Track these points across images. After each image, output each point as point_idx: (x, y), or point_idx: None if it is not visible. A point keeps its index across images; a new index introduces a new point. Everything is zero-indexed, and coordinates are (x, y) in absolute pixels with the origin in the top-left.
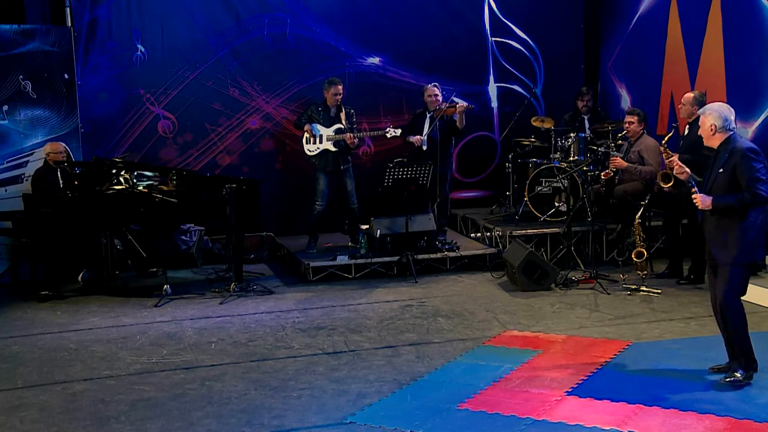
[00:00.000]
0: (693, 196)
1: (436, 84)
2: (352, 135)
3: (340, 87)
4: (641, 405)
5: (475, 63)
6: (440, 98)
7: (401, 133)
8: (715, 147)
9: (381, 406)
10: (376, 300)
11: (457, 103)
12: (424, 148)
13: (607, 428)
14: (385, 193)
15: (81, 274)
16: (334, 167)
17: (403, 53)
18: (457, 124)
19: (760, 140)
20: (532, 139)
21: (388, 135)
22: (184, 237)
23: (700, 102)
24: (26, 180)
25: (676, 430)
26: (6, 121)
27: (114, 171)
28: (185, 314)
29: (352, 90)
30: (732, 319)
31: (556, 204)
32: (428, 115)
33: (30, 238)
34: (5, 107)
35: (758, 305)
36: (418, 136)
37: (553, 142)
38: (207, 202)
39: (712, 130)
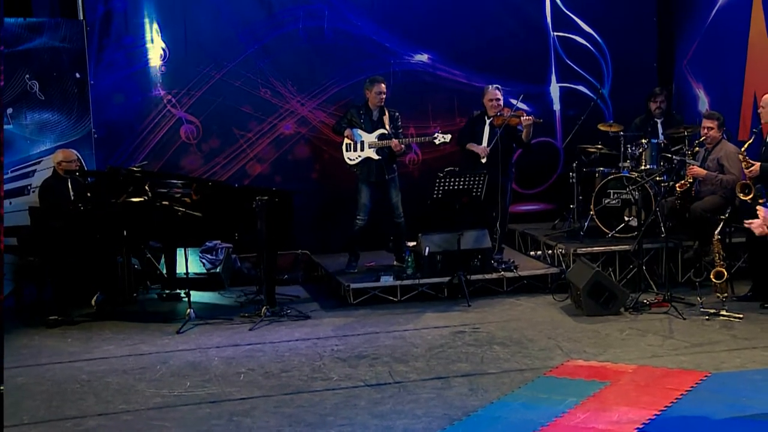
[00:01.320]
0: (757, 208)
1: (498, 86)
2: (398, 141)
3: (384, 86)
4: None
5: (534, 61)
6: (502, 103)
7: (457, 139)
8: None
9: None
10: (425, 326)
11: (523, 114)
12: (484, 160)
13: None
14: (435, 206)
15: (94, 297)
16: (377, 177)
17: (454, 50)
18: (523, 137)
19: None
20: (599, 146)
21: (437, 141)
22: (209, 255)
23: None
24: (33, 191)
25: None
26: (11, 126)
27: (131, 181)
28: (211, 342)
29: (398, 91)
30: None
31: (626, 218)
32: (487, 121)
33: (37, 256)
34: (9, 110)
35: None
36: (484, 146)
37: (623, 149)
38: (235, 216)
39: None
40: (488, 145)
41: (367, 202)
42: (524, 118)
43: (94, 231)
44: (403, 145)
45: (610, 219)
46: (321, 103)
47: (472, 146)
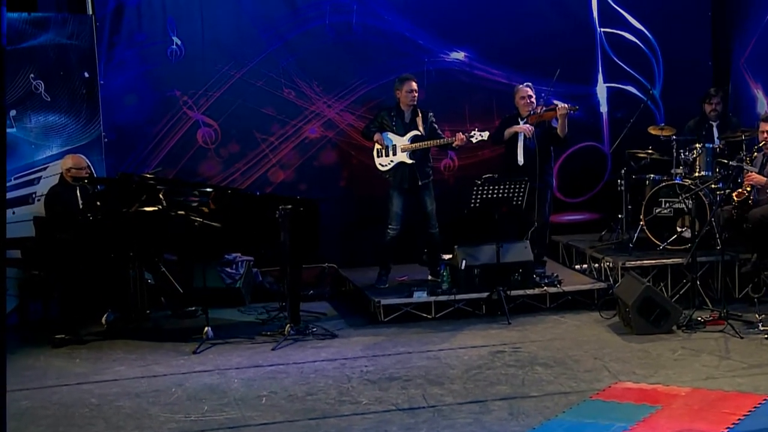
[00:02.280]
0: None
1: (530, 84)
2: (462, 135)
3: (414, 84)
4: None
5: (580, 59)
6: (535, 101)
7: (492, 139)
8: None
9: None
10: (461, 345)
11: (557, 105)
12: (521, 163)
13: None
14: (472, 216)
15: (105, 315)
16: (410, 183)
17: (493, 47)
18: (558, 131)
19: None
20: (650, 151)
21: (474, 140)
22: (228, 269)
23: None
24: (38, 200)
25: None
26: (14, 129)
27: (144, 189)
28: (230, 362)
29: (432, 91)
30: None
31: (679, 229)
32: (521, 122)
33: (43, 270)
34: (13, 112)
35: None
36: (526, 126)
37: (675, 154)
38: (256, 226)
39: None
40: (524, 149)
41: (400, 210)
42: (559, 107)
43: (104, 243)
44: (464, 136)
45: (662, 230)
46: (349, 104)
47: (513, 128)
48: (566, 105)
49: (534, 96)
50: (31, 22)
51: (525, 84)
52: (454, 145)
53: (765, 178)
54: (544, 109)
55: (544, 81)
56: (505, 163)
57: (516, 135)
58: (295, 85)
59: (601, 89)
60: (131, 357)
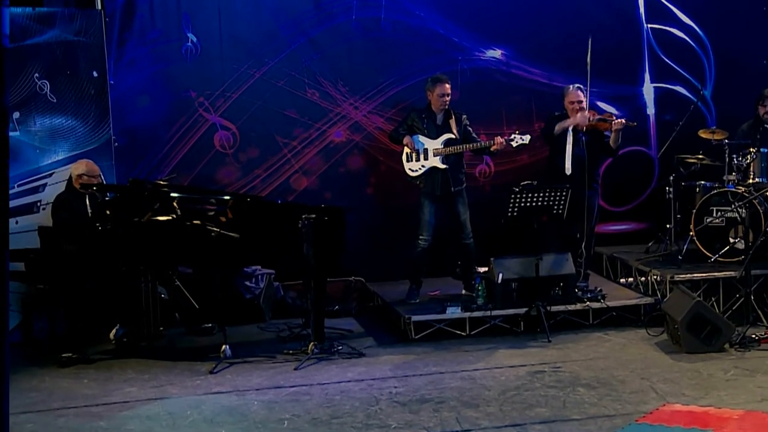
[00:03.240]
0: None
1: (581, 87)
2: (501, 138)
3: (448, 86)
4: None
5: (625, 57)
6: (586, 105)
7: (543, 135)
8: None
9: None
10: (498, 364)
11: (612, 117)
12: (568, 172)
13: None
14: (510, 226)
15: (114, 331)
16: (443, 190)
17: (531, 45)
18: (611, 143)
19: None
20: (700, 156)
21: (514, 144)
22: (248, 283)
23: None
24: (43, 209)
25: None
26: (17, 133)
27: (157, 197)
28: (249, 383)
29: (467, 92)
30: None
31: (732, 240)
32: (570, 126)
33: (48, 283)
34: (16, 114)
35: None
36: (581, 116)
37: (728, 159)
38: (277, 237)
39: None
40: (573, 157)
41: (431, 219)
42: (615, 122)
43: (114, 255)
44: (503, 140)
45: (713, 241)
46: (377, 106)
47: (566, 122)
48: (623, 120)
49: (585, 101)
50: (36, 17)
51: (575, 86)
52: (492, 149)
53: None
54: (596, 118)
55: (587, 81)
56: (549, 171)
57: (564, 141)
58: (320, 85)
59: (648, 90)
60: (143, 377)
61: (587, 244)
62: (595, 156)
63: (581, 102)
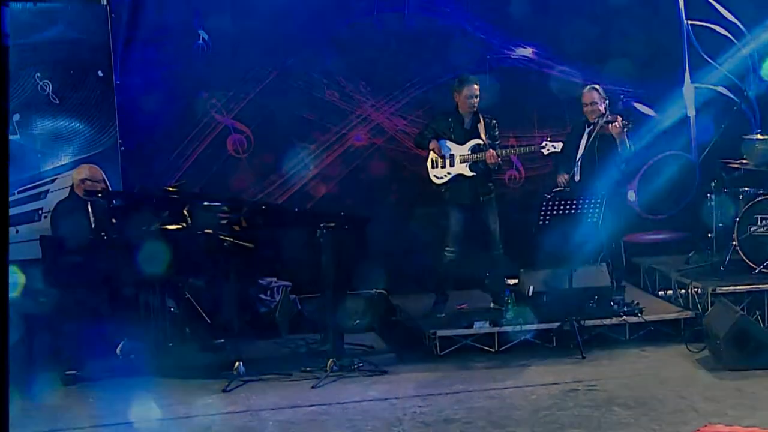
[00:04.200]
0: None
1: (596, 86)
2: (494, 152)
3: (476, 87)
4: None
5: (664, 55)
6: (602, 106)
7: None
8: None
9: None
10: (528, 383)
11: (617, 119)
12: (577, 178)
13: None
14: (541, 236)
15: (120, 346)
16: (471, 199)
17: (564, 42)
18: (618, 146)
19: None
20: (744, 161)
21: (545, 151)
22: (263, 295)
23: None
24: (45, 217)
25: None
26: (17, 136)
27: (166, 204)
28: (265, 402)
29: (495, 93)
30: None
31: None
32: (587, 130)
33: (50, 296)
34: (16, 116)
35: None
36: (564, 175)
37: None
38: (295, 247)
39: None
40: (582, 165)
41: (459, 229)
42: (612, 125)
43: (120, 265)
44: (500, 159)
45: (758, 250)
46: (400, 107)
47: (560, 177)
48: (617, 123)
49: (600, 102)
50: (38, 13)
51: (589, 86)
52: (490, 163)
53: None
54: (604, 120)
55: (624, 80)
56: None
57: (576, 147)
58: (339, 85)
59: (689, 90)
60: (151, 396)
61: (616, 255)
62: (608, 160)
63: (595, 103)
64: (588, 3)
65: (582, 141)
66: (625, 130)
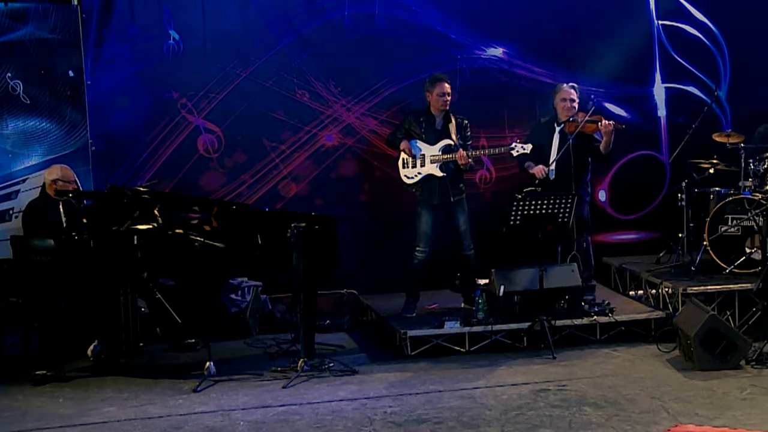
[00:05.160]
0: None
1: (575, 85)
2: (464, 153)
3: (447, 85)
4: None
5: (635, 55)
6: (577, 105)
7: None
8: None
9: None
10: (499, 383)
11: (601, 119)
12: (552, 176)
13: None
14: (512, 235)
15: (91, 347)
16: (441, 199)
17: (535, 42)
18: (601, 147)
19: None
20: (715, 161)
21: (515, 153)
22: (233, 296)
23: None
24: (16, 216)
25: None
26: None
27: (137, 204)
28: (235, 402)
29: (466, 93)
30: None
31: (748, 250)
32: (557, 128)
33: (21, 296)
34: None
35: None
36: (541, 166)
37: (743, 164)
38: (265, 247)
39: None
40: (557, 161)
41: (429, 230)
42: (603, 123)
43: (91, 266)
44: (471, 159)
45: (728, 251)
46: (371, 107)
47: (530, 167)
48: (612, 122)
49: (577, 100)
50: (8, 13)
51: (569, 84)
52: (461, 164)
53: None
54: (585, 118)
55: (594, 80)
56: (535, 177)
57: (548, 144)
58: (310, 85)
59: (659, 90)
60: (122, 396)
61: (585, 254)
62: (584, 161)
63: (573, 101)
64: (559, 3)
65: (554, 139)
66: (615, 130)
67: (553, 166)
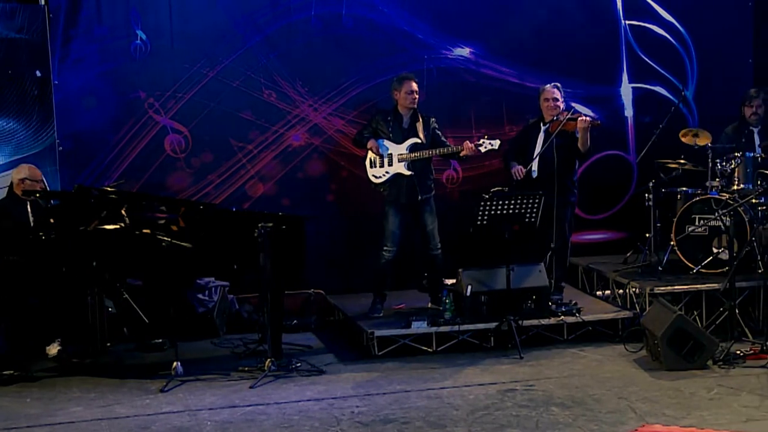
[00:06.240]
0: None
1: (558, 85)
2: (470, 143)
3: (415, 84)
4: None
5: (602, 55)
6: (562, 105)
7: (504, 154)
8: None
9: None
10: (466, 383)
11: (579, 116)
12: (534, 174)
13: None
14: (479, 236)
15: (58, 347)
16: (408, 198)
17: (502, 42)
18: (579, 145)
19: None
20: (682, 161)
21: (483, 149)
22: (200, 295)
23: None
24: None
25: None
26: None
27: (104, 204)
28: (202, 402)
29: (433, 93)
30: None
31: (715, 250)
32: (543, 128)
33: None
34: None
35: None
36: (519, 167)
37: (711, 164)
38: (232, 247)
39: None
40: (540, 160)
41: (396, 229)
42: (579, 119)
43: (59, 265)
44: (473, 145)
45: (695, 251)
46: (338, 107)
47: (512, 167)
48: (587, 117)
49: (561, 100)
50: None
51: (552, 84)
52: (461, 154)
53: None
54: (567, 117)
55: (562, 80)
56: (519, 176)
57: (533, 144)
58: (277, 85)
59: (626, 90)
60: (89, 396)
61: (560, 255)
62: (568, 160)
63: (557, 101)
64: (526, 3)
65: (539, 138)
66: (591, 126)
67: (535, 165)
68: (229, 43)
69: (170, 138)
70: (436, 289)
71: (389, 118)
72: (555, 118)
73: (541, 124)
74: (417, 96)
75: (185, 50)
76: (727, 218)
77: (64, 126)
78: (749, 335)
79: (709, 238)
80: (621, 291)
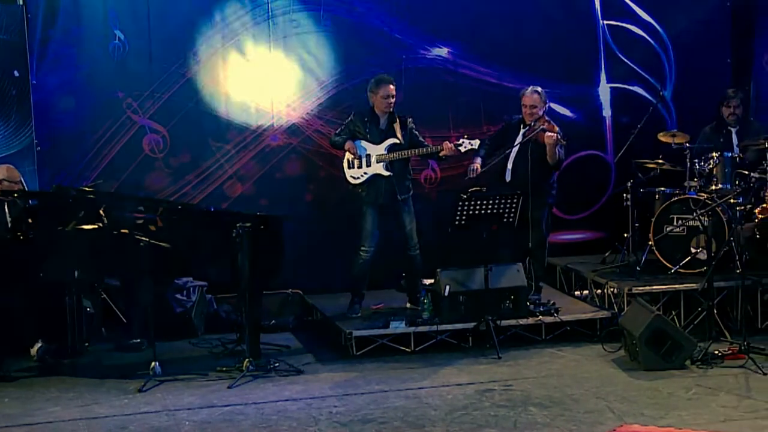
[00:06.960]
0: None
1: (537, 90)
2: (450, 144)
3: (392, 87)
4: None
5: (579, 55)
6: (540, 112)
7: (482, 150)
8: None
9: None
10: (444, 383)
11: (551, 128)
12: (507, 178)
13: None
14: (457, 236)
15: (36, 347)
16: (387, 199)
17: (480, 42)
18: (548, 157)
19: None
20: (660, 161)
21: (462, 149)
22: (179, 295)
23: None
24: None
25: None
26: None
27: (82, 204)
28: (181, 402)
29: (411, 93)
30: None
31: (693, 250)
32: (522, 131)
33: None
34: None
35: None
36: (477, 166)
37: (689, 164)
38: (210, 247)
39: None
40: (513, 165)
41: (374, 229)
42: (547, 134)
43: (37, 265)
44: (452, 145)
45: (674, 251)
46: (316, 108)
47: (473, 163)
48: (554, 134)
49: (540, 106)
50: None
51: (532, 89)
52: (441, 154)
53: None
54: (539, 128)
55: (540, 80)
56: (493, 177)
57: (512, 141)
58: None
59: (604, 90)
60: (67, 396)
61: (537, 256)
62: (542, 165)
63: (534, 107)
64: (504, 3)
65: (517, 140)
66: (557, 143)
67: (510, 165)
68: (208, 42)
69: (148, 138)
70: (414, 289)
71: (366, 119)
72: (532, 123)
73: (522, 126)
74: (393, 100)
75: (163, 50)
76: (706, 218)
77: (43, 126)
78: (727, 335)
79: (688, 238)
80: (599, 291)
